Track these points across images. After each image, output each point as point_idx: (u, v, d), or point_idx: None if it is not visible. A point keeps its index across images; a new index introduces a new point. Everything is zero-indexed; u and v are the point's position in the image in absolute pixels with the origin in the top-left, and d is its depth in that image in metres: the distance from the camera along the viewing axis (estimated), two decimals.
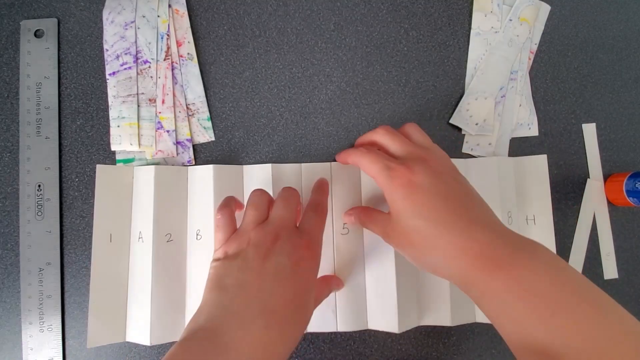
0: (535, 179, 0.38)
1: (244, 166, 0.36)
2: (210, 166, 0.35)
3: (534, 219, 0.37)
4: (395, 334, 0.36)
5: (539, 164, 0.38)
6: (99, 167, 0.34)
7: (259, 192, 0.30)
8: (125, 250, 0.34)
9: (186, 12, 0.38)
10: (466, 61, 0.40)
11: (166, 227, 0.34)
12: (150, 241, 0.33)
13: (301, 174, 0.36)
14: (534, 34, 0.40)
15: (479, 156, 0.38)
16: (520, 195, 0.38)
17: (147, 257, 0.33)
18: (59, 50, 0.37)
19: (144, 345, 0.35)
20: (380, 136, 0.31)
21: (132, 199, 0.35)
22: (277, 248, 0.26)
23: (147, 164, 0.36)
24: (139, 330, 0.33)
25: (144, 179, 0.34)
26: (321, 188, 0.34)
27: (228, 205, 0.30)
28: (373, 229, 0.30)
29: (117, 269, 0.34)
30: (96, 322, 0.33)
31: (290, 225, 0.28)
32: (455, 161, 0.37)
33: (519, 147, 0.40)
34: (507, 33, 0.39)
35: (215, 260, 0.28)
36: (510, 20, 0.39)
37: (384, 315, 0.34)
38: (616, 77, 0.42)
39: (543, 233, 0.37)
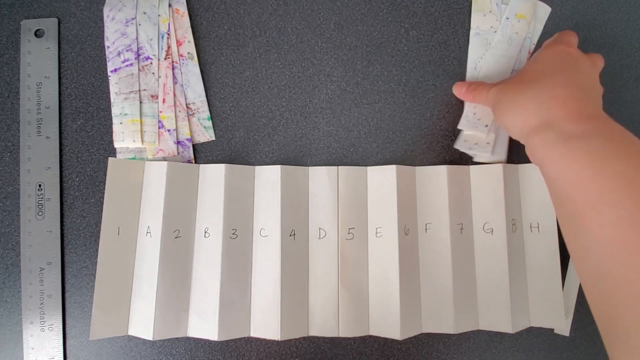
0: (539, 186, 0.37)
1: (256, 167, 0.36)
2: (222, 165, 0.35)
3: (538, 227, 0.37)
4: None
5: None
6: (111, 160, 0.34)
7: None
8: (133, 244, 0.34)
9: (186, 12, 0.38)
10: (466, 61, 0.40)
11: (175, 224, 0.34)
12: (159, 236, 0.33)
13: (308, 176, 0.36)
14: (533, 34, 0.41)
15: (476, 155, 0.38)
16: (524, 202, 0.38)
17: (155, 252, 0.33)
18: (59, 50, 0.37)
19: (144, 345, 0.35)
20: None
21: (142, 193, 0.35)
22: None
23: None
24: (142, 324, 0.33)
25: (156, 174, 0.34)
26: None
27: None
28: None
29: (123, 262, 0.34)
30: (100, 315, 0.33)
31: None
32: (457, 168, 0.37)
33: (520, 146, 0.39)
34: (506, 31, 0.39)
35: None
36: (508, 18, 0.39)
37: (386, 321, 0.34)
38: (616, 77, 0.42)
39: (547, 240, 0.37)
